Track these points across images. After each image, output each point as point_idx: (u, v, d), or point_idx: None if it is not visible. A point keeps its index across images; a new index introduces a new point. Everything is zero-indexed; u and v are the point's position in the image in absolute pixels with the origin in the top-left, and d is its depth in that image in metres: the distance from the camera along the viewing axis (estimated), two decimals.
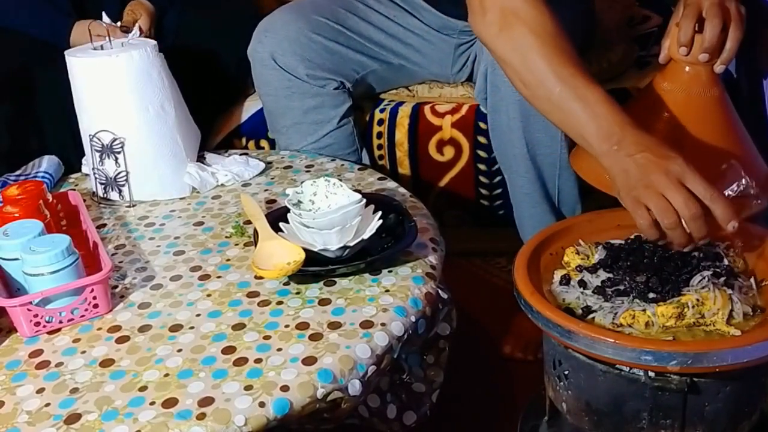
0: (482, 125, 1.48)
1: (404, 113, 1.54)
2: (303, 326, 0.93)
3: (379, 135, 1.55)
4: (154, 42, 1.31)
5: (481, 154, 1.52)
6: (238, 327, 0.94)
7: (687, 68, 1.03)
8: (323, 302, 0.97)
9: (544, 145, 1.25)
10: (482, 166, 1.53)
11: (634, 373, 0.89)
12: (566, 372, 0.96)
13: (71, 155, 1.47)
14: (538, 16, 0.97)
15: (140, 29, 1.47)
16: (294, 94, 1.43)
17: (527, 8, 0.98)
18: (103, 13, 1.41)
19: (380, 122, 1.55)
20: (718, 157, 0.98)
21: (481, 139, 1.50)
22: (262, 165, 1.36)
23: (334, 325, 0.93)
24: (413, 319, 0.96)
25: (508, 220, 1.39)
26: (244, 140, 1.63)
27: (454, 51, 1.47)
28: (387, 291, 0.99)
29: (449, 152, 1.54)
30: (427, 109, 1.54)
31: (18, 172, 1.39)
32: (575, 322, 0.90)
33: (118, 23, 1.51)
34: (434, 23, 1.46)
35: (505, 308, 1.29)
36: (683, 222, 0.86)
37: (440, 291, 1.03)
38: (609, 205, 1.50)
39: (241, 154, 1.40)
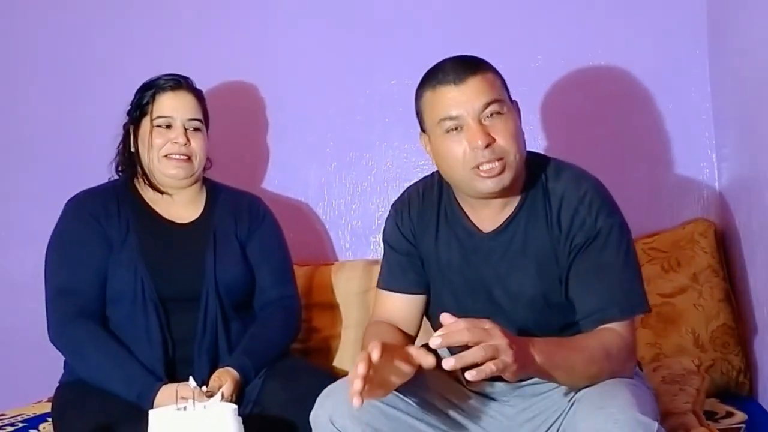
0: None
1: None
2: None
3: None
4: (234, 406, 1.35)
5: None
6: None
7: None
8: None
9: None
10: None
11: None
12: None
13: None
14: None
15: (222, 394, 1.52)
16: None
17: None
18: (191, 377, 1.48)
19: None
20: None
21: None
22: None
23: None
24: None
25: None
26: None
27: (516, 418, 1.47)
28: None
29: None
30: None
31: None
32: None
33: (204, 387, 1.57)
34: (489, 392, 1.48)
35: None
36: None
37: None
38: None
39: None
